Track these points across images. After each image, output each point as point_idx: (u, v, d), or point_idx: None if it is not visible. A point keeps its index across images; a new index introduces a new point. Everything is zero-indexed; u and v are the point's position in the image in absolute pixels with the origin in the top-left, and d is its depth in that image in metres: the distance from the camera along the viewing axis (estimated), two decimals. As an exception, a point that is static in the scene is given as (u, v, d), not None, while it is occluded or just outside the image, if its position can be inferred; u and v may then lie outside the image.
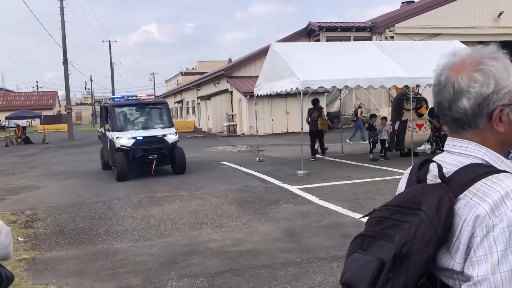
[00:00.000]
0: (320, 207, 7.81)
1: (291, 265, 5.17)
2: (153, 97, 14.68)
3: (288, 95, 20.25)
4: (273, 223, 6.99)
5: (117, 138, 11.89)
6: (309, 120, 13.57)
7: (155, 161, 11.93)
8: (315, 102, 13.53)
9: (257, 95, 14.20)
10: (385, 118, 13.33)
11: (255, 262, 5.34)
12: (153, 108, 13.26)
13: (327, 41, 27.33)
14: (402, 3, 40.65)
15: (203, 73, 49.40)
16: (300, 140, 11.70)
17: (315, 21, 30.66)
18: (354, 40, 26.63)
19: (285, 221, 7.04)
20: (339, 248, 5.63)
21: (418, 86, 11.80)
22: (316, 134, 13.66)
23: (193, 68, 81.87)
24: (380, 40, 28.25)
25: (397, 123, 13.28)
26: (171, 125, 12.93)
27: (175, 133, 12.61)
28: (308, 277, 4.83)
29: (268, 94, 13.30)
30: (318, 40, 29.25)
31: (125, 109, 12.95)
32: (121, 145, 11.76)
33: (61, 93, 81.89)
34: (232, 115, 30.18)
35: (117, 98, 13.63)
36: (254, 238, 6.28)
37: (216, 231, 6.75)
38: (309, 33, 31.01)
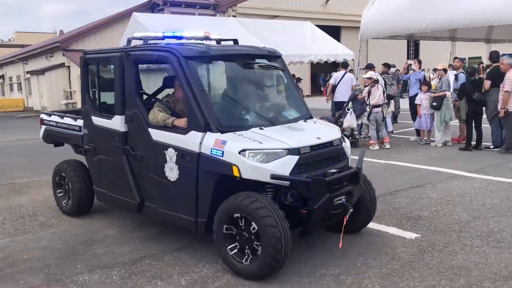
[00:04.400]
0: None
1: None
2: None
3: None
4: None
5: (242, 152, 4.12)
6: None
7: (350, 211, 4.54)
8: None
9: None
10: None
11: (172, 244, 5.02)
12: (269, 68, 5.43)
13: (172, 16, 26.69)
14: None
15: (23, 45, 43.98)
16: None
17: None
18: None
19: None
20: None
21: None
22: None
23: (9, 40, 72.85)
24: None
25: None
26: (306, 107, 5.44)
27: (339, 130, 5.14)
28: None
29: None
30: (162, 15, 28.39)
31: (225, 67, 5.30)
32: (272, 175, 4.06)
33: None
34: (71, 91, 27.65)
35: (176, 36, 5.32)
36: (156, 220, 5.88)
37: (108, 215, 6.14)
38: (153, 7, 29.86)
